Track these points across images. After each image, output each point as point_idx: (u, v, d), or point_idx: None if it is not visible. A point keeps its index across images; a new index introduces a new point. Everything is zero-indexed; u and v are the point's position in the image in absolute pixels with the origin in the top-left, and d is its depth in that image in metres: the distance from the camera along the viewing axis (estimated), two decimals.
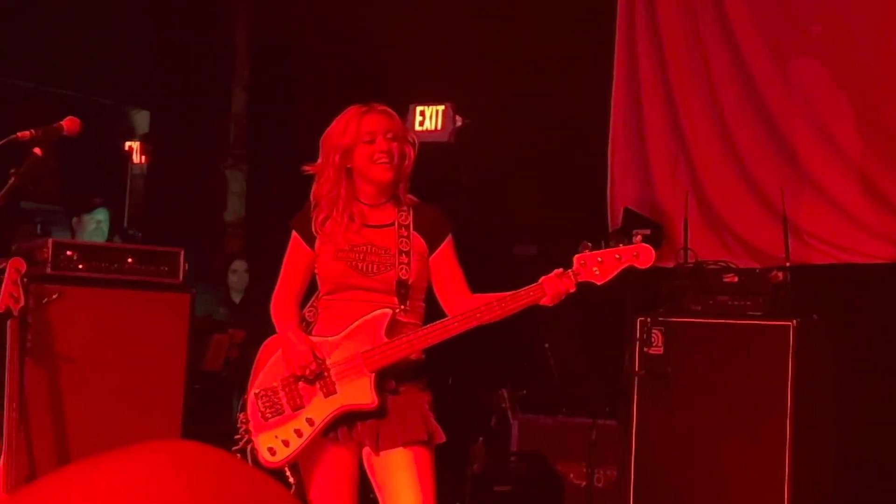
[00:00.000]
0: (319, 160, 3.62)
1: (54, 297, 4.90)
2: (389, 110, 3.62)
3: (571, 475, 6.33)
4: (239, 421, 3.65)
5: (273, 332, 3.64)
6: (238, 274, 8.03)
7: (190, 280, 5.29)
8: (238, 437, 3.62)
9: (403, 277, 3.51)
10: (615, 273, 3.41)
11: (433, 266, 3.60)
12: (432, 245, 3.59)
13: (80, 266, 5.09)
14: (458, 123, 7.31)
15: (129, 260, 5.19)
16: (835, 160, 6.39)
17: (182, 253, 5.25)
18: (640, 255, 3.42)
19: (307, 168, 3.64)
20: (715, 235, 6.66)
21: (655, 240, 6.62)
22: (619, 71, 7.11)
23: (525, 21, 7.54)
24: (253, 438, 3.59)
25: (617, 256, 3.41)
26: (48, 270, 5.00)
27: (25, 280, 4.63)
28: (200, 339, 6.24)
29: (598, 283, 3.43)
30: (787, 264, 5.74)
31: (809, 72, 6.51)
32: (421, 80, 7.65)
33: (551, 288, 3.40)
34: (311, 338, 3.58)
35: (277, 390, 3.58)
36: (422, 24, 7.80)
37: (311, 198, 3.64)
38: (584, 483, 6.22)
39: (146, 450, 0.80)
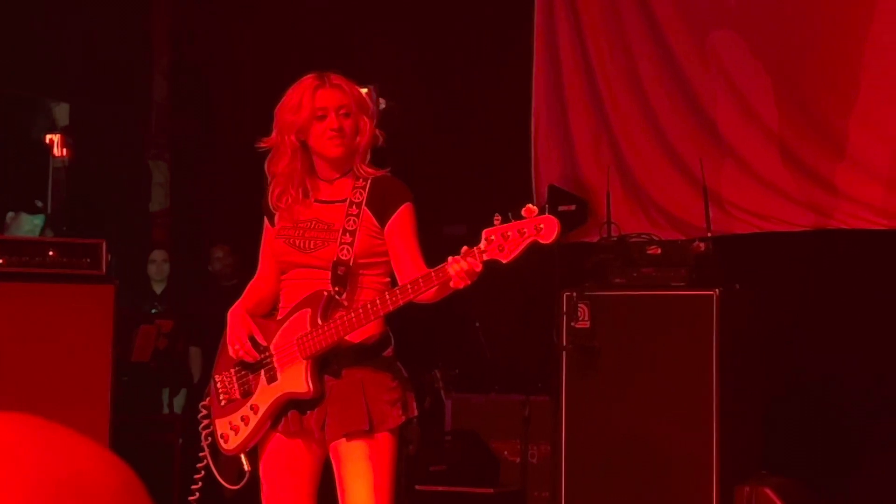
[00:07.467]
0: (273, 134, 3.47)
1: None
2: (345, 83, 3.46)
3: (506, 452, 6.36)
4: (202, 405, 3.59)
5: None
6: (157, 264, 7.93)
7: (113, 271, 5.24)
8: (205, 422, 3.54)
9: (343, 257, 3.36)
10: (520, 250, 3.11)
11: (386, 241, 3.44)
12: (382, 220, 3.42)
13: (0, 261, 5.01)
14: (382, 106, 7.27)
15: (51, 253, 5.12)
16: (754, 129, 6.46)
17: (104, 244, 5.18)
18: (543, 228, 3.10)
19: (262, 143, 3.49)
20: (639, 208, 6.71)
21: (581, 215, 6.68)
22: (539, 48, 7.13)
23: (445, 1, 7.54)
24: (214, 423, 3.52)
25: (520, 231, 3.11)
26: None
27: None
28: (127, 330, 6.18)
29: (504, 262, 3.13)
30: (710, 234, 5.81)
31: (727, 43, 6.57)
32: (343, 63, 7.60)
33: (453, 267, 3.13)
34: (256, 320, 3.47)
35: (232, 375, 3.50)
36: (344, 7, 7.77)
37: (267, 172, 3.50)
38: (518, 460, 6.26)
39: None
